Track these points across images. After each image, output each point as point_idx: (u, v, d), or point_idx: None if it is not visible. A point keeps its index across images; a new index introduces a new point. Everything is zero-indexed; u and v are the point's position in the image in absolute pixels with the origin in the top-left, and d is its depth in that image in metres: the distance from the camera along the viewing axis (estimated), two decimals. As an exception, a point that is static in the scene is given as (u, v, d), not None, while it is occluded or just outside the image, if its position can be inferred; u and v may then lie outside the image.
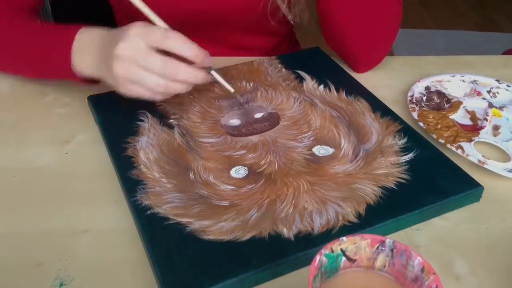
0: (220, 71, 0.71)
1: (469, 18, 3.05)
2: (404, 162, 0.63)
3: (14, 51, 0.74)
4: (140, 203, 0.57)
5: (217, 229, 0.54)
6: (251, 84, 0.78)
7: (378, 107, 0.73)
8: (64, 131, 0.72)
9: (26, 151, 0.68)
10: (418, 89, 0.80)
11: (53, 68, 0.71)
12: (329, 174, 0.61)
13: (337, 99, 0.74)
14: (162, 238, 0.53)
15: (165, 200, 0.57)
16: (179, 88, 0.63)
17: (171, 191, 0.59)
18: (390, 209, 0.56)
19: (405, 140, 0.66)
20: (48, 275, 0.52)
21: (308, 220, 0.55)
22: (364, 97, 0.75)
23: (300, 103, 0.74)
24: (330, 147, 0.65)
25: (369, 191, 0.58)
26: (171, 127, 0.69)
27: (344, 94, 0.75)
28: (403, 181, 0.60)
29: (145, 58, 0.59)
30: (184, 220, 0.55)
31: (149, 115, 0.71)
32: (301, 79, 0.79)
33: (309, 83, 0.78)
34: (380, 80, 0.83)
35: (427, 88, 0.80)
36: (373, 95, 0.76)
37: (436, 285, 0.40)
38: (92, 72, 0.67)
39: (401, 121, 0.70)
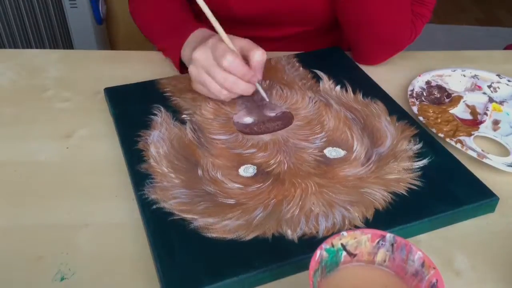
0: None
1: (471, 13, 3.12)
2: (418, 168, 0.63)
3: (152, 26, 0.90)
4: (146, 197, 0.59)
5: (221, 227, 0.55)
6: (267, 82, 0.80)
7: (395, 110, 0.74)
8: (64, 126, 0.74)
9: (27, 145, 0.70)
10: (419, 83, 0.82)
11: (168, 51, 0.86)
12: (338, 177, 0.62)
13: (353, 101, 0.76)
14: (165, 233, 0.55)
15: (172, 195, 0.59)
16: (235, 96, 0.75)
17: (178, 186, 0.60)
18: (398, 216, 0.57)
19: (420, 145, 0.67)
20: (50, 268, 0.54)
21: (313, 222, 0.56)
22: (381, 99, 0.76)
23: (315, 103, 0.75)
24: (342, 149, 0.66)
25: (379, 196, 0.59)
26: (183, 122, 0.71)
27: (361, 96, 0.77)
28: (414, 187, 0.61)
29: (212, 69, 0.70)
30: (188, 216, 0.57)
31: (162, 109, 0.73)
32: (318, 79, 0.81)
33: (326, 83, 0.80)
34: (381, 75, 0.85)
35: (428, 82, 0.83)
36: (390, 97, 0.77)
37: (436, 280, 0.41)
38: (187, 64, 0.79)
39: (418, 126, 0.70)
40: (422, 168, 0.63)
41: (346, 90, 0.78)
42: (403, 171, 0.63)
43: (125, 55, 0.89)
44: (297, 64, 0.85)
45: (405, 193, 0.60)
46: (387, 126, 0.70)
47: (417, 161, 0.65)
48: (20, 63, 0.89)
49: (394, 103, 0.76)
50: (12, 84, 0.84)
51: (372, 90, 0.78)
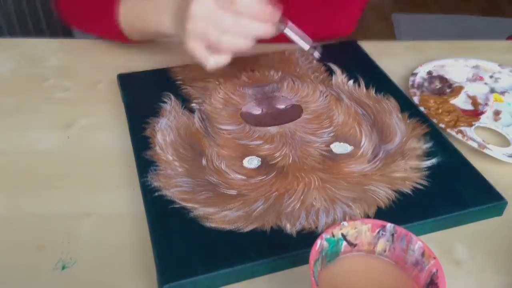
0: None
1: (473, 3, 3.20)
2: (425, 167, 0.65)
3: None
4: (149, 183, 0.62)
5: (221, 217, 0.58)
6: (279, 74, 0.82)
7: (408, 107, 0.75)
8: (65, 116, 0.77)
9: (27, 135, 0.73)
10: (420, 73, 0.85)
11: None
12: (343, 173, 0.64)
13: (365, 96, 0.78)
14: (165, 220, 0.58)
15: (174, 184, 0.62)
16: (250, 44, 0.68)
17: (182, 175, 0.63)
18: (401, 215, 0.59)
19: (430, 144, 0.69)
20: (51, 257, 0.56)
21: (313, 217, 0.58)
22: (394, 95, 0.78)
23: (326, 97, 0.77)
24: (349, 144, 0.68)
25: (382, 194, 0.61)
26: (192, 111, 0.74)
27: (374, 91, 0.79)
28: (420, 187, 0.62)
29: (218, 17, 0.64)
30: (189, 205, 0.59)
31: (172, 97, 0.76)
32: (331, 72, 0.83)
33: (339, 77, 0.82)
34: (383, 65, 0.86)
35: (429, 72, 0.86)
36: (404, 94, 0.78)
37: (437, 270, 0.44)
38: (170, 31, 0.75)
39: (430, 124, 0.72)
40: (430, 168, 0.65)
41: (359, 85, 0.80)
42: (410, 170, 0.65)
43: (125, 45, 0.90)
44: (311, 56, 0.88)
45: (410, 192, 0.62)
46: (397, 123, 0.72)
47: (426, 160, 0.66)
48: (20, 52, 0.91)
49: (407, 100, 0.77)
50: (12, 73, 0.86)
51: (385, 86, 0.80)
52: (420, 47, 0.96)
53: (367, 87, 0.80)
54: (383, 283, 0.48)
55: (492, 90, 0.83)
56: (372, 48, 0.92)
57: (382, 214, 0.59)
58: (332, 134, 0.70)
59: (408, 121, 0.73)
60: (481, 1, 3.24)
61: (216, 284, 0.54)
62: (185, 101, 0.76)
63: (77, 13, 0.89)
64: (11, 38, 1.26)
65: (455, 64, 0.88)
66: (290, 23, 0.71)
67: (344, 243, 0.48)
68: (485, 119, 0.77)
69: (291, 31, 0.71)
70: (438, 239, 0.60)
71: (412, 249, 0.47)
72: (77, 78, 0.85)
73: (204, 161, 0.66)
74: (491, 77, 0.86)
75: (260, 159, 0.66)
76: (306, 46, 0.72)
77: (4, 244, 0.58)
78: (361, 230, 0.48)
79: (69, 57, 0.91)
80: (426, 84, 0.84)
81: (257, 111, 0.74)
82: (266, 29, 0.67)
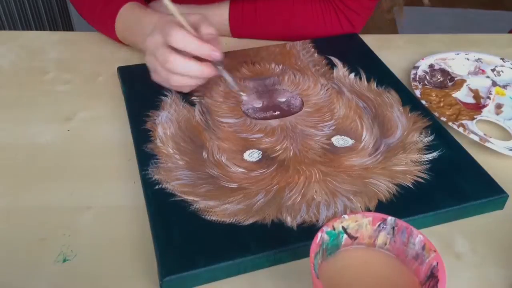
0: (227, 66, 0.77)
1: None
2: (427, 160, 0.65)
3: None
4: (150, 177, 0.62)
5: (221, 210, 0.58)
6: (280, 67, 0.82)
7: (409, 100, 0.75)
8: (65, 109, 0.77)
9: (28, 128, 0.73)
10: (422, 67, 0.85)
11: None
12: (344, 166, 0.64)
13: (367, 89, 0.78)
14: (165, 213, 0.58)
15: (175, 177, 0.62)
16: (192, 82, 0.73)
17: (182, 168, 0.64)
18: (402, 208, 0.59)
19: (431, 137, 0.69)
20: (52, 250, 0.57)
21: (314, 211, 0.58)
22: (395, 89, 0.78)
23: (327, 90, 0.77)
24: (350, 138, 0.68)
25: (383, 188, 0.61)
26: (192, 104, 0.74)
27: (375, 85, 0.79)
28: (421, 180, 0.62)
29: (160, 53, 0.69)
30: (190, 198, 0.60)
31: (173, 90, 0.76)
32: (332, 66, 0.83)
33: (340, 70, 0.82)
34: (385, 58, 0.86)
35: (431, 66, 0.86)
36: (405, 87, 0.78)
37: (437, 263, 0.44)
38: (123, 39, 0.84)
39: (431, 117, 0.72)
40: (431, 161, 0.65)
41: (360, 78, 0.80)
42: (411, 163, 0.65)
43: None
44: (312, 50, 0.87)
45: (411, 186, 0.62)
46: (398, 117, 0.72)
47: (427, 153, 0.66)
48: (20, 45, 0.92)
49: (408, 93, 0.77)
50: (12, 66, 0.87)
51: (387, 79, 0.80)
52: (422, 40, 0.96)
53: (368, 80, 0.80)
54: (383, 276, 0.48)
55: (494, 84, 0.83)
56: (373, 41, 0.92)
57: (383, 207, 0.59)
58: (333, 128, 0.70)
59: (409, 115, 0.73)
60: (483, -6, 3.26)
61: (216, 277, 0.54)
62: (185, 94, 0.76)
63: (85, 13, 0.92)
64: (12, 31, 1.25)
65: (457, 58, 0.89)
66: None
67: (345, 236, 0.48)
68: (487, 113, 0.77)
69: (225, 71, 0.74)
70: (439, 233, 0.60)
71: (412, 242, 0.47)
72: (77, 71, 0.85)
73: (204, 154, 0.66)
74: (493, 70, 0.86)
75: (261, 152, 0.66)
76: (235, 87, 0.75)
77: (5, 237, 0.58)
78: (362, 223, 0.48)
79: (69, 50, 0.91)
80: (427, 77, 0.84)
81: (258, 104, 0.74)
82: (204, 70, 0.71)
